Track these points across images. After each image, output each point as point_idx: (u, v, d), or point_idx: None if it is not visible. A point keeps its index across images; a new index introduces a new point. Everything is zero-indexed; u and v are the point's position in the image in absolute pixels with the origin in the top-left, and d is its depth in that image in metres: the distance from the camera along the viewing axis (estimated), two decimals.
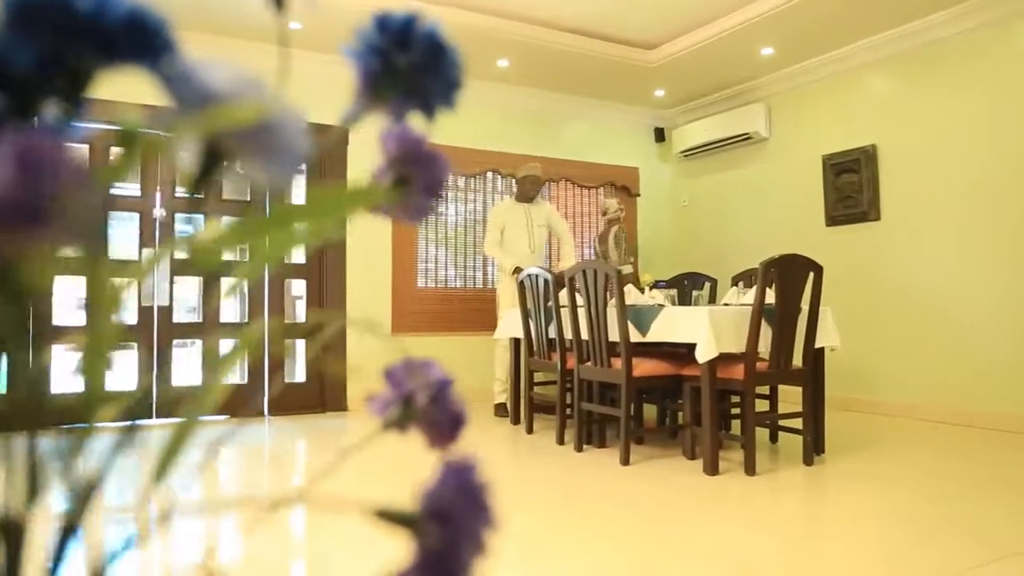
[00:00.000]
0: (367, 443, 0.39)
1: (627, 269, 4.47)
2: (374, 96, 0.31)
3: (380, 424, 0.34)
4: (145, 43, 0.22)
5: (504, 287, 5.25)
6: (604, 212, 5.52)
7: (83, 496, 0.28)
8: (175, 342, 5.01)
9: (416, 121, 0.35)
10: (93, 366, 0.26)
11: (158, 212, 4.72)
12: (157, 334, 4.83)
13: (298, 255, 5.71)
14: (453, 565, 0.27)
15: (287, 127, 0.24)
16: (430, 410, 0.34)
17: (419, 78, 0.31)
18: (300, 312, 5.90)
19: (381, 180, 0.34)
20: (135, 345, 4.79)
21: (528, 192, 5.23)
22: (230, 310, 5.91)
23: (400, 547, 0.30)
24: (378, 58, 0.31)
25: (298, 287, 5.69)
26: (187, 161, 0.24)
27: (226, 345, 0.33)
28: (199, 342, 5.12)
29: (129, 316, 5.33)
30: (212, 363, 0.31)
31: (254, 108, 0.22)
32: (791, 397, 4.03)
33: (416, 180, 0.35)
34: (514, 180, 5.48)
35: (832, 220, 5.52)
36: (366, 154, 5.52)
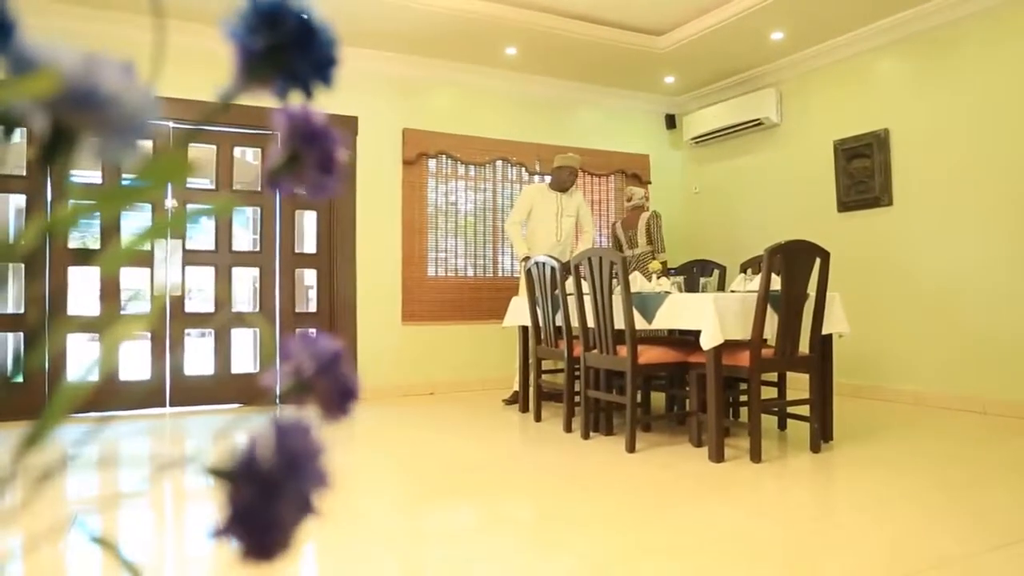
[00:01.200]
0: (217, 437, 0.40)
1: (655, 265, 4.21)
2: (250, 75, 0.32)
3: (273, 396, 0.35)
4: None
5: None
6: (629, 199, 5.47)
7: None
8: (190, 331, 5.08)
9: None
10: None
11: (169, 203, 4.78)
12: (169, 324, 4.89)
13: (309, 244, 5.74)
14: (266, 522, 0.28)
15: (126, 102, 0.25)
16: (321, 383, 0.35)
17: (290, 57, 0.32)
18: (312, 301, 5.95)
19: (275, 159, 0.35)
20: (148, 335, 4.86)
21: (564, 183, 5.17)
22: (244, 300, 5.98)
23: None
24: (252, 37, 0.31)
25: (310, 277, 5.73)
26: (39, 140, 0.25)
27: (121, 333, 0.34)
28: (212, 332, 5.18)
29: (142, 306, 5.40)
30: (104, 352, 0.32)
31: (50, 76, 0.23)
32: (801, 384, 4.01)
33: (307, 157, 0.35)
34: (547, 167, 5.35)
35: (844, 206, 5.46)
36: (374, 143, 5.53)
